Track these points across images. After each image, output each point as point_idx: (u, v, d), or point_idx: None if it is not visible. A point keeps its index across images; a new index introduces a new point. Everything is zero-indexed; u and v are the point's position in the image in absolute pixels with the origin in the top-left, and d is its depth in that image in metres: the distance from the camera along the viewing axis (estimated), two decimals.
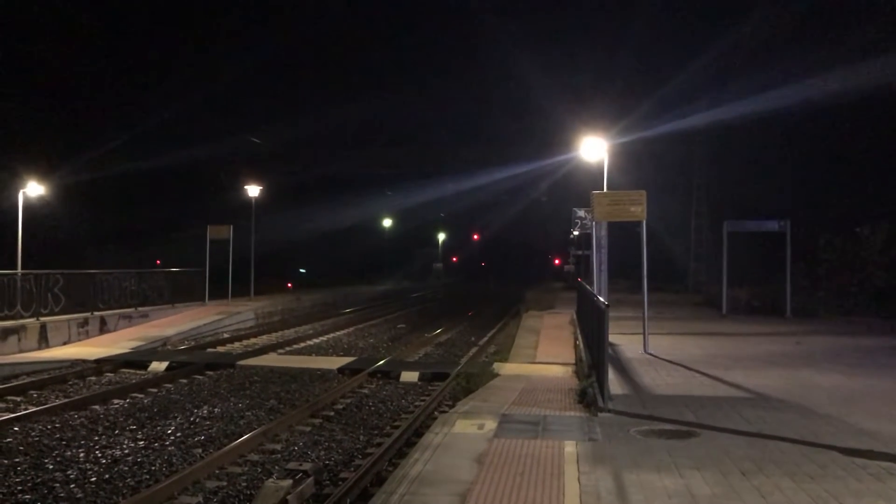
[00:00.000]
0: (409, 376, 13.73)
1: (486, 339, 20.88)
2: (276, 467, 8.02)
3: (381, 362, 15.04)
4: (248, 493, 7.30)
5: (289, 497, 6.62)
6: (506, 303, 36.40)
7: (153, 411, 10.84)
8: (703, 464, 6.65)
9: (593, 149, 16.46)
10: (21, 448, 8.71)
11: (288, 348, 18.13)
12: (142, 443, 9.10)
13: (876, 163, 26.48)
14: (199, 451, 8.81)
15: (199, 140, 42.30)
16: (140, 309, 21.56)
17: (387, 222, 65.92)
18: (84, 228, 38.12)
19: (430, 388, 12.93)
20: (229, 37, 60.33)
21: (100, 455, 8.51)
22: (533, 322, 22.30)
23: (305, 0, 68.28)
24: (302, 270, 52.23)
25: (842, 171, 28.04)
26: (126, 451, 8.68)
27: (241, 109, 57.40)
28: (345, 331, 22.69)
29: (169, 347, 17.94)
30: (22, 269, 19.52)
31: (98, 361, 14.86)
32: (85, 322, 18.70)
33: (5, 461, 8.20)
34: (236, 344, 18.88)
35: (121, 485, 7.53)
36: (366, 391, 12.69)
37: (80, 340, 18.04)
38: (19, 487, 7.37)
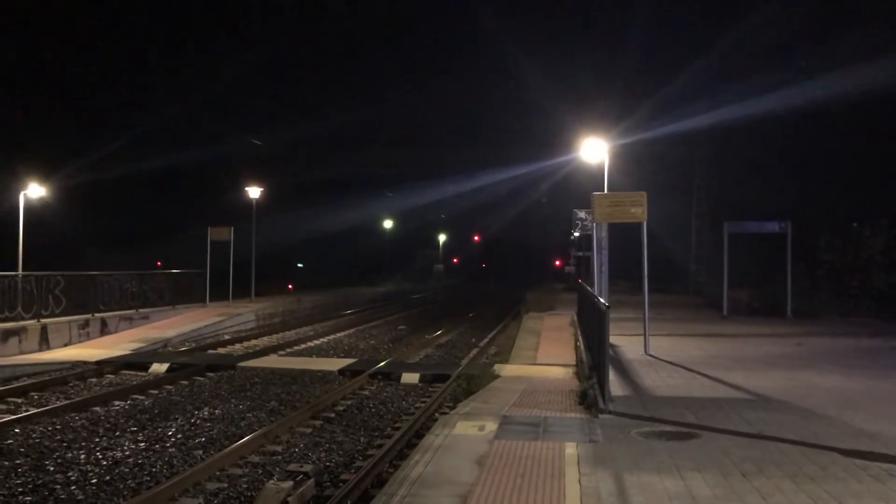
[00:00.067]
0: (410, 378, 13.73)
1: (486, 340, 20.87)
2: (277, 469, 8.03)
3: (382, 364, 15.04)
4: (249, 494, 7.30)
5: (289, 499, 6.63)
6: (506, 304, 36.39)
7: (154, 413, 10.84)
8: (704, 465, 6.65)
9: (594, 150, 16.47)
10: (22, 450, 8.72)
11: (289, 350, 18.14)
12: (142, 444, 9.10)
13: (876, 163, 26.48)
14: (200, 452, 8.81)
15: (200, 141, 42.44)
16: (141, 310, 21.58)
17: (387, 223, 65.90)
18: (85, 230, 38.18)
19: (430, 389, 12.92)
20: (229, 37, 60.45)
21: (100, 456, 8.52)
22: (533, 323, 22.30)
23: (305, 0, 68.40)
24: (300, 265, 52.30)
25: (842, 171, 28.03)
26: (127, 453, 8.69)
27: (242, 110, 57.52)
28: (345, 332, 22.70)
29: (170, 349, 17.94)
30: (23, 270, 19.53)
31: (99, 363, 14.87)
32: (86, 323, 18.71)
33: (6, 463, 8.21)
34: (237, 345, 18.89)
35: (121, 486, 7.53)
36: (366, 393, 12.69)
37: (80, 342, 18.05)
38: (20, 489, 7.38)
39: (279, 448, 8.95)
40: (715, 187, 38.18)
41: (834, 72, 25.57)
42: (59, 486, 7.46)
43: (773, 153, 31.91)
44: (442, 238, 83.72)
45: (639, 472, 6.48)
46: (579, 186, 28.69)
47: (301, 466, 7.71)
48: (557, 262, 69.83)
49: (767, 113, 27.62)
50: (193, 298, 25.07)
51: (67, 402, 11.34)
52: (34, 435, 9.39)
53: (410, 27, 75.94)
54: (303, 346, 19.00)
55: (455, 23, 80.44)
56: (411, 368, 14.76)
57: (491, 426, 8.39)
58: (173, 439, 9.37)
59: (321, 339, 20.53)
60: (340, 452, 8.91)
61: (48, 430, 9.62)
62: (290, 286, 39.09)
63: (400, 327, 24.93)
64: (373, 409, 11.36)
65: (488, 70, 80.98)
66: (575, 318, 21.16)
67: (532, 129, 59.51)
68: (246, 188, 29.51)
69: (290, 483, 6.89)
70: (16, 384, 12.78)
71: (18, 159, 29.87)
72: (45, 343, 16.98)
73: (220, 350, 18.01)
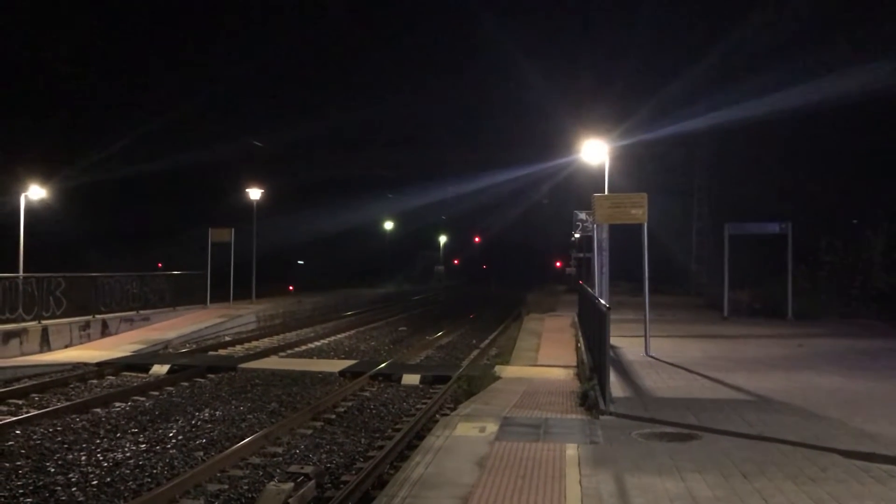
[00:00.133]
0: (411, 379, 13.73)
1: (487, 341, 20.88)
2: (278, 470, 8.03)
3: (383, 365, 15.04)
4: (250, 496, 7.30)
5: (290, 500, 6.64)
6: (507, 305, 36.41)
7: (155, 414, 10.84)
8: (705, 466, 6.65)
9: (594, 151, 16.45)
10: (23, 451, 8.72)
11: (289, 351, 18.15)
12: (143, 446, 9.10)
13: (877, 164, 26.48)
14: (201, 454, 8.82)
15: (200, 142, 42.42)
16: (142, 312, 21.59)
17: (388, 225, 65.92)
18: (86, 231, 38.18)
19: (431, 390, 12.93)
20: (229, 37, 60.42)
21: (101, 458, 8.52)
22: (534, 325, 22.30)
23: (305, 1, 68.44)
24: (300, 262, 52.28)
25: (842, 172, 28.04)
26: (127, 454, 8.69)
27: (242, 111, 57.51)
28: (346, 333, 22.70)
29: (170, 350, 17.95)
30: (24, 272, 19.54)
31: (100, 364, 14.88)
32: (86, 325, 18.72)
33: (7, 464, 8.21)
34: (238, 347, 18.89)
35: (122, 488, 7.54)
36: (367, 394, 12.69)
37: (81, 343, 18.06)
38: (21, 491, 7.38)
39: (280, 449, 8.95)
40: (715, 188, 38.22)
41: (834, 72, 25.59)
42: (59, 488, 7.46)
43: (774, 154, 31.93)
44: (443, 239, 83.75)
45: (640, 473, 6.48)
46: (580, 188, 28.74)
47: (302, 468, 7.72)
48: (558, 264, 69.83)
49: (767, 114, 27.63)
50: (194, 300, 25.08)
51: (68, 403, 11.34)
52: (35, 436, 9.40)
53: (410, 27, 76.04)
54: (303, 347, 19.01)
55: (455, 23, 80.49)
56: (412, 370, 14.76)
57: (492, 427, 8.39)
58: (174, 441, 9.38)
59: (322, 341, 20.53)
60: (341, 454, 8.91)
61: (49, 432, 9.63)
62: (290, 287, 39.09)
63: (401, 329, 24.94)
64: (373, 411, 11.36)
65: (488, 70, 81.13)
66: (576, 319, 21.16)
67: (532, 130, 59.49)
68: (246, 189, 29.53)
69: (290, 484, 6.90)
70: (17, 385, 12.80)
71: (19, 161, 29.91)
72: (45, 344, 16.99)
73: (221, 351, 18.02)
